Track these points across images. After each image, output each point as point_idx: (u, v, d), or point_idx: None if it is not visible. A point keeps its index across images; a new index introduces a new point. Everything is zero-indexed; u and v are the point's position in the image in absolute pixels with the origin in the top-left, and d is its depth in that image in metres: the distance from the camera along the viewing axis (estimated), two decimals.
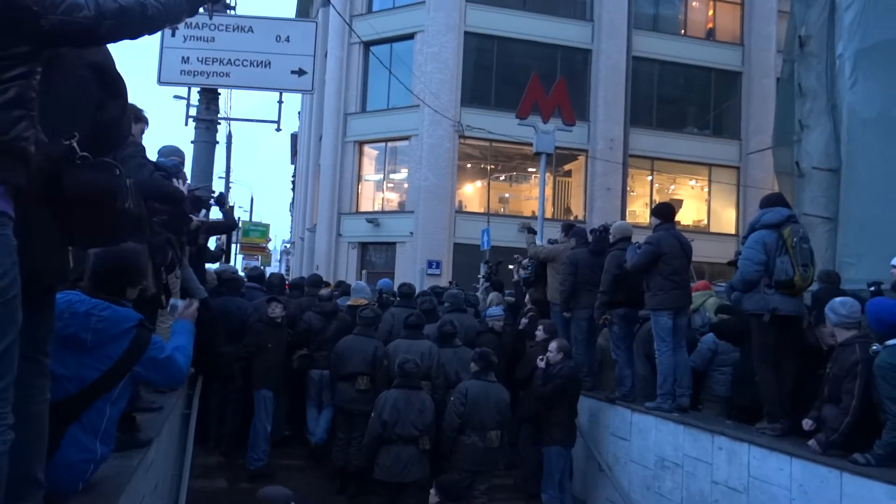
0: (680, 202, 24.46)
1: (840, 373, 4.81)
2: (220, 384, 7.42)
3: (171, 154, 5.41)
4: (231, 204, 9.51)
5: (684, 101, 25.45)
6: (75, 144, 2.21)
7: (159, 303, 4.41)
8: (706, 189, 25.26)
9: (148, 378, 3.12)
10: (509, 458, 7.59)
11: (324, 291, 8.62)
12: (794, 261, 5.41)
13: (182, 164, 5.71)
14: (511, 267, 10.48)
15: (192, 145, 10.24)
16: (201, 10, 2.55)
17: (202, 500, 6.51)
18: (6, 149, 1.95)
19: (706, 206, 25.20)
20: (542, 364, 6.89)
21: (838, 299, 5.06)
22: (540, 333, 7.44)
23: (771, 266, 5.51)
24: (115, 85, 2.53)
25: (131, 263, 3.09)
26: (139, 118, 4.35)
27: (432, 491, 5.19)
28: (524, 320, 8.29)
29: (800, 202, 9.29)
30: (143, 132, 4.54)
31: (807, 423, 5.10)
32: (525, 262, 9.03)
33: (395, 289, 11.00)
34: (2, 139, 1.94)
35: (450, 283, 14.53)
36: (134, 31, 2.24)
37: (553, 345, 6.95)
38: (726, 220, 24.63)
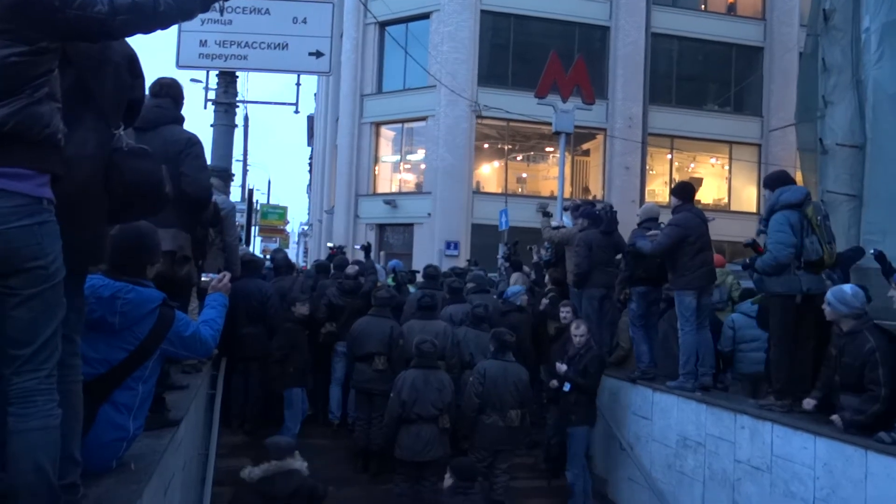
0: (700, 180, 24.24)
1: (854, 362, 4.75)
2: (244, 365, 7.51)
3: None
4: (250, 187, 9.57)
5: (704, 78, 25.11)
6: (122, 133, 2.30)
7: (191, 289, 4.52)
8: (727, 167, 25.00)
9: (175, 354, 3.16)
10: (531, 438, 7.64)
11: (349, 269, 8.69)
12: (821, 239, 5.38)
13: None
14: (530, 248, 10.47)
15: (212, 128, 10.27)
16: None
17: (228, 479, 6.61)
18: (45, 140, 2.04)
19: (727, 185, 24.96)
20: (562, 369, 6.86)
21: (847, 289, 4.95)
22: (568, 315, 7.45)
23: (798, 247, 5.45)
24: (137, 66, 2.59)
25: (148, 242, 3.13)
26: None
27: (447, 475, 5.22)
28: (545, 300, 8.30)
29: (823, 179, 9.17)
30: None
31: (808, 404, 5.18)
32: (545, 244, 9.02)
33: (410, 270, 11.05)
34: (47, 132, 2.03)
35: (468, 261, 14.55)
36: (146, 27, 2.30)
37: (582, 328, 6.93)
38: (747, 198, 24.38)
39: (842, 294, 4.91)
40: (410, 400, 6.34)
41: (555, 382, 7.02)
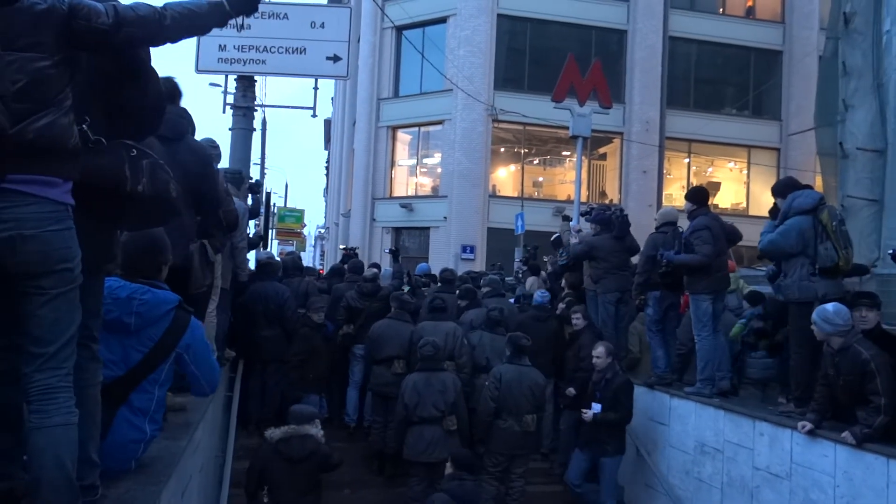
0: (718, 185, 24.04)
1: (852, 378, 4.73)
2: (261, 367, 7.54)
3: (208, 146, 5.50)
4: (268, 190, 9.63)
5: (723, 82, 24.90)
6: (86, 128, 2.24)
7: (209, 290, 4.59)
8: (745, 171, 24.76)
9: (188, 367, 3.06)
10: (548, 443, 7.64)
11: (368, 272, 8.75)
12: (836, 245, 5.31)
13: (219, 157, 5.84)
14: (546, 259, 10.41)
15: (230, 132, 10.35)
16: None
17: (245, 484, 6.64)
18: (71, 150, 2.12)
19: (745, 189, 24.72)
20: (590, 415, 6.59)
21: (830, 308, 4.91)
22: (579, 321, 7.41)
23: (812, 253, 5.40)
24: (131, 64, 2.47)
25: (159, 243, 3.16)
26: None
27: (448, 464, 5.53)
28: (561, 305, 8.28)
29: (843, 184, 9.09)
30: None
31: (804, 427, 5.14)
32: (561, 251, 8.99)
33: (427, 274, 11.07)
34: (72, 142, 2.12)
35: (492, 265, 14.55)
36: (152, 41, 2.32)
37: (600, 349, 6.71)
38: (766, 202, 24.02)
39: (824, 313, 4.90)
40: (412, 403, 6.42)
41: (571, 390, 6.99)
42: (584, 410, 6.59)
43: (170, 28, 2.28)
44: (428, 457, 6.42)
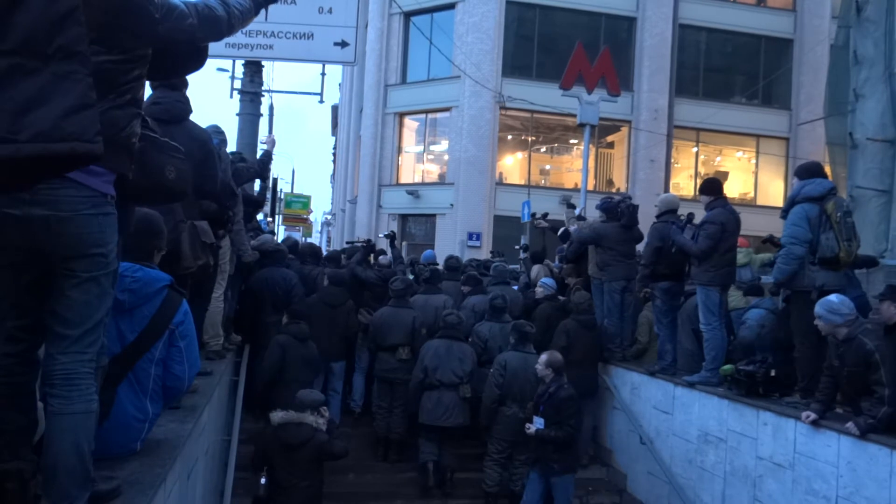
0: (726, 174, 23.93)
1: (857, 368, 4.73)
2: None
3: (214, 133, 5.51)
4: (274, 176, 9.63)
5: (732, 70, 24.69)
6: None
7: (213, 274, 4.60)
8: (753, 161, 24.64)
9: (178, 342, 3.01)
10: None
11: (382, 258, 8.94)
12: (838, 236, 5.27)
13: (225, 143, 5.84)
14: (533, 214, 10.38)
15: (237, 118, 10.36)
16: None
17: (250, 464, 6.69)
18: (120, 143, 2.18)
19: (753, 179, 24.60)
20: (533, 428, 6.04)
21: (834, 299, 4.90)
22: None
23: (814, 242, 5.37)
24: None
25: (156, 228, 3.20)
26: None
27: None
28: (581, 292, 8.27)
29: (853, 174, 9.05)
30: None
31: (808, 417, 5.12)
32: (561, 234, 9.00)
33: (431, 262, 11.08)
34: (122, 135, 2.19)
35: (491, 252, 14.53)
36: (218, 37, 2.51)
37: (543, 358, 6.23)
38: (774, 192, 24.02)
39: (830, 304, 4.89)
40: (433, 366, 6.73)
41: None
42: (528, 425, 6.09)
43: (232, 26, 2.50)
44: (444, 421, 6.73)
